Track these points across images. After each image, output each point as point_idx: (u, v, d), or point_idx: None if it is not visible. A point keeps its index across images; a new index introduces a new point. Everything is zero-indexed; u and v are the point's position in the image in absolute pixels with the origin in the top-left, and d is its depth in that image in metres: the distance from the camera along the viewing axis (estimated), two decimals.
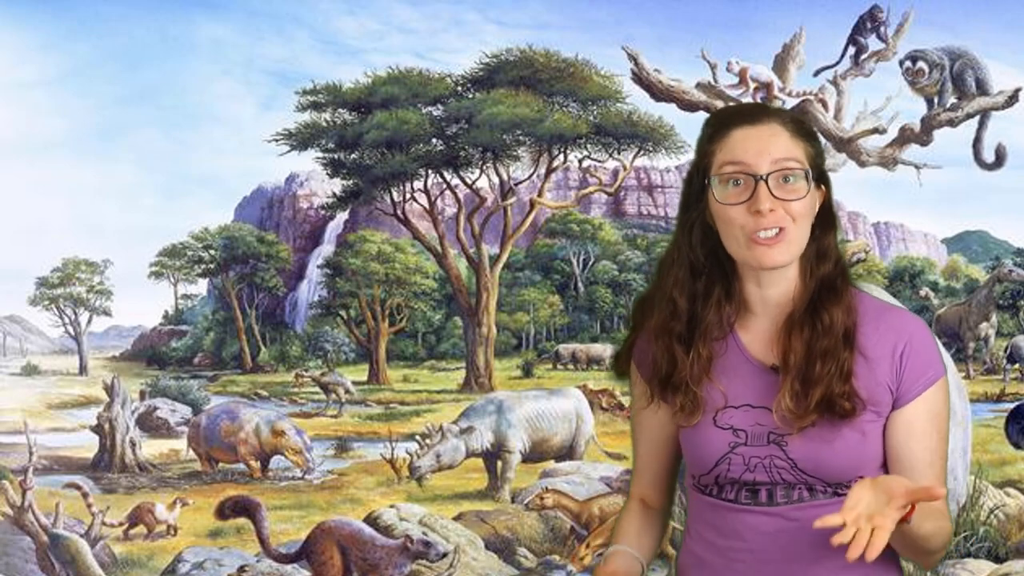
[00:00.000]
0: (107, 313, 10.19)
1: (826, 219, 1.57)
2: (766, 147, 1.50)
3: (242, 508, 4.70)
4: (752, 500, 1.55)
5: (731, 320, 1.58)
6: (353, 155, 9.57)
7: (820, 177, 1.56)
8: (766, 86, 5.23)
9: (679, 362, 1.56)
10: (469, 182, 9.49)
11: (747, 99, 5.18)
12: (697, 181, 1.56)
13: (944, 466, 1.58)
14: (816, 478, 1.53)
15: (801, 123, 1.58)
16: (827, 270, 1.56)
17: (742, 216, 1.50)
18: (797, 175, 1.51)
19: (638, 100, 5.21)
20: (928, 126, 5.21)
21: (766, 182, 1.49)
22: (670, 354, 1.57)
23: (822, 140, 5.33)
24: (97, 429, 7.33)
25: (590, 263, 10.75)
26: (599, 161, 9.38)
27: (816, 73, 5.45)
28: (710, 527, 1.60)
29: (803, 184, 1.51)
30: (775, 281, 1.55)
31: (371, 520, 5.43)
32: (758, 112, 1.56)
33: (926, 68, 5.04)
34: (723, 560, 1.58)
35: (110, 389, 7.31)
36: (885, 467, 1.58)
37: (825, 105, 5.32)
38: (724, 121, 1.56)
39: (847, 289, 1.57)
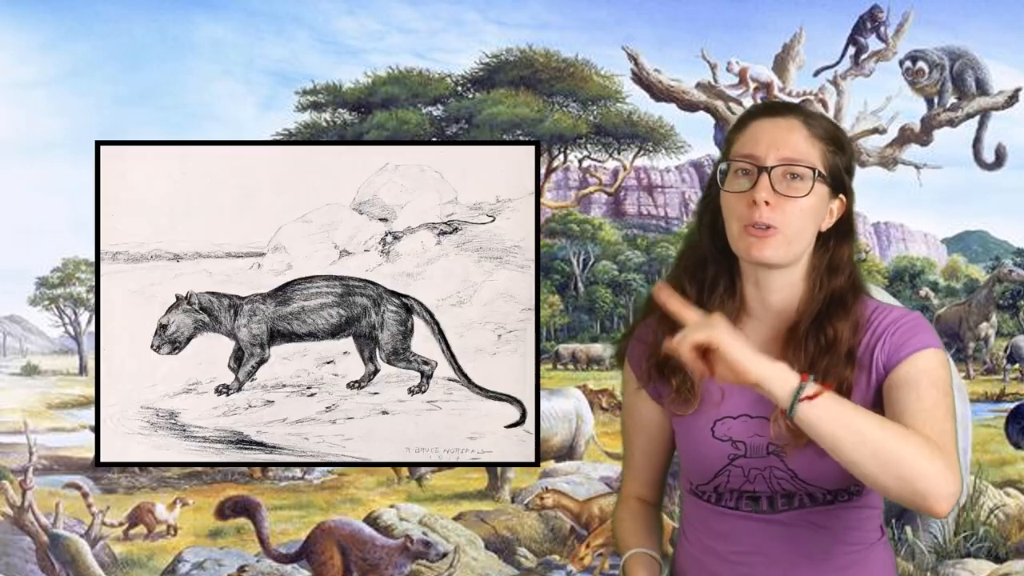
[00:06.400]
0: None
1: (843, 231, 1.52)
2: (777, 141, 1.48)
3: (242, 508, 4.70)
4: (753, 508, 1.53)
5: (732, 320, 1.56)
6: None
7: (842, 188, 1.52)
8: (766, 86, 5.23)
9: None
10: None
11: (747, 99, 5.18)
12: (717, 171, 1.55)
13: (950, 432, 1.42)
14: (816, 487, 1.50)
15: (828, 129, 1.52)
16: (839, 284, 1.51)
17: (741, 205, 1.48)
18: (804, 174, 1.47)
19: (638, 100, 5.22)
20: (928, 126, 5.22)
21: (769, 174, 1.47)
22: (673, 336, 1.56)
23: None
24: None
25: (590, 263, 10.72)
26: (599, 161, 9.36)
27: (816, 73, 5.44)
28: (710, 532, 1.58)
29: (808, 184, 1.47)
30: (775, 286, 1.52)
31: (371, 520, 5.42)
32: (781, 107, 1.53)
33: (926, 68, 5.05)
34: (725, 563, 1.57)
35: None
36: None
37: (825, 105, 5.32)
38: (750, 113, 1.55)
39: (857, 305, 1.51)
